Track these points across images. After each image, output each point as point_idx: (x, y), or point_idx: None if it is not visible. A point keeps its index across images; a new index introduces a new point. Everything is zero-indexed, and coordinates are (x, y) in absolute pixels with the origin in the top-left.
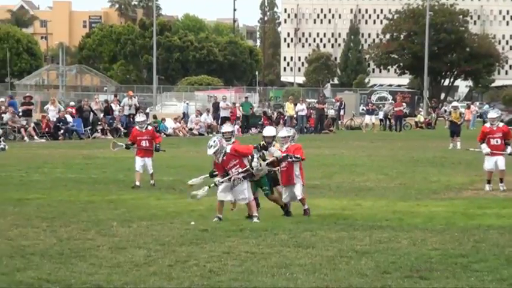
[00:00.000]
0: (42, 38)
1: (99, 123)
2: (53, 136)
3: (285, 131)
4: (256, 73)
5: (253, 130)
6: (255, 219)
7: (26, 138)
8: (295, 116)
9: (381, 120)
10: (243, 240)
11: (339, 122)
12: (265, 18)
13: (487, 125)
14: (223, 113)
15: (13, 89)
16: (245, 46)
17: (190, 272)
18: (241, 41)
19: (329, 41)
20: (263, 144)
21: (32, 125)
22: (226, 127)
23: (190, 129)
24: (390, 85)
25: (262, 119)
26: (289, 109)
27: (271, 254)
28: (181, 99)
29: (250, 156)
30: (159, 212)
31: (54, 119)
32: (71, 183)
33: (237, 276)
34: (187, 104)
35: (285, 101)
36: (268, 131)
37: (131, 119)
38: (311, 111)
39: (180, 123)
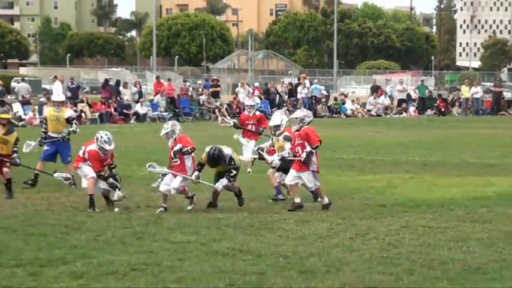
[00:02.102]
0: (233, 25)
1: (284, 104)
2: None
3: (297, 113)
4: (432, 58)
5: (429, 112)
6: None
7: (219, 118)
8: (470, 98)
9: None
10: (420, 215)
11: None
12: (442, 6)
13: None
14: (399, 96)
15: (208, 72)
16: (421, 32)
17: (370, 244)
18: (417, 28)
19: (505, 27)
20: (259, 153)
21: (225, 106)
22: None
23: (369, 110)
24: None
25: (438, 101)
26: (465, 92)
27: (448, 229)
28: (360, 82)
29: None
30: (340, 188)
31: (244, 101)
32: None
33: (414, 249)
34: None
35: (461, 84)
36: (273, 120)
37: (313, 101)
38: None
39: (358, 104)
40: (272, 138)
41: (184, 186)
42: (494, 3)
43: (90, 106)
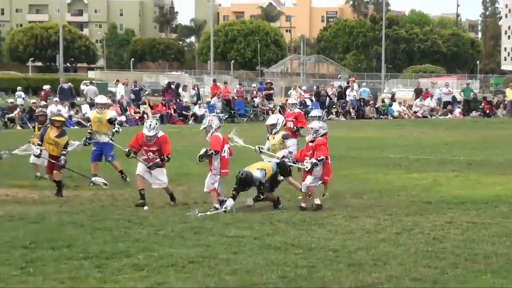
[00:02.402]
0: (286, 31)
1: (334, 106)
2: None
3: (313, 123)
4: (477, 62)
5: (474, 113)
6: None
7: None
8: None
9: None
10: (464, 211)
11: None
12: (487, 13)
13: None
14: (445, 98)
15: (262, 76)
16: (467, 38)
17: (415, 239)
18: (463, 34)
19: None
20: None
21: (278, 107)
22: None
23: (415, 112)
24: None
25: (483, 104)
26: (510, 94)
27: (491, 224)
28: (406, 85)
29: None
30: (387, 186)
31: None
32: None
33: (458, 244)
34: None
35: (505, 87)
36: (270, 119)
37: (361, 104)
38: None
39: (405, 106)
40: (268, 137)
41: (214, 188)
42: None
43: (151, 107)
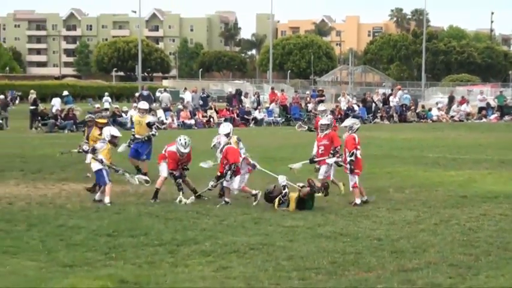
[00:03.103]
0: (337, 44)
1: (379, 111)
2: (343, 121)
3: (346, 121)
4: (510, 72)
5: (507, 117)
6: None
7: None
8: None
9: None
10: (497, 205)
11: None
12: None
13: None
14: (480, 104)
15: (315, 84)
16: (500, 51)
17: (452, 229)
18: (497, 47)
19: None
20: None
21: (329, 112)
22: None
23: (452, 116)
24: None
25: None
26: None
27: None
28: (445, 92)
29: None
30: (426, 182)
31: (345, 108)
32: None
33: (492, 234)
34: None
35: None
36: (323, 120)
37: (403, 109)
38: None
39: (443, 111)
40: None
41: (243, 185)
42: None
43: (216, 112)
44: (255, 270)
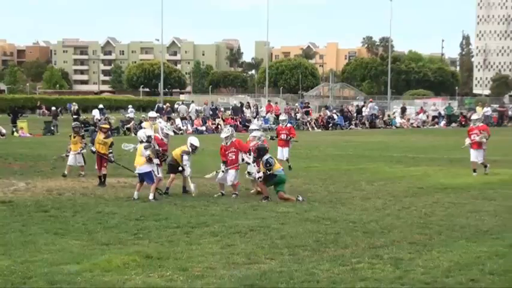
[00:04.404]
0: (320, 66)
1: (353, 119)
2: (325, 127)
3: (224, 132)
4: (456, 88)
5: (454, 124)
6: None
7: (309, 128)
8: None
9: None
10: (447, 194)
11: None
12: (463, 52)
13: None
14: (433, 113)
15: (302, 97)
16: (449, 71)
17: (411, 214)
18: (446, 67)
19: (507, 66)
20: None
21: (314, 120)
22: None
23: (411, 123)
24: None
25: (460, 117)
26: (479, 110)
27: (466, 204)
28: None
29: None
30: (391, 176)
31: (326, 117)
32: (336, 157)
33: (442, 218)
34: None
35: (476, 106)
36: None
37: (373, 117)
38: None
39: (404, 119)
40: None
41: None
42: (500, 51)
43: (223, 120)
44: (254, 247)
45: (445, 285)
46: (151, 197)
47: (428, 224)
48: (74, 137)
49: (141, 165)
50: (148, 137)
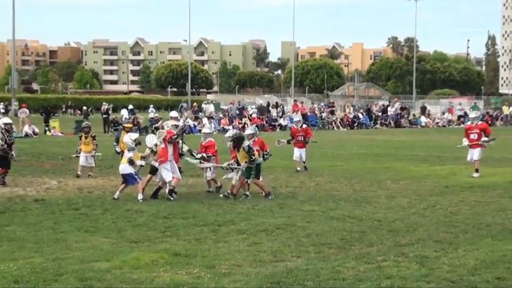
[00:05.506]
0: (345, 66)
1: (379, 118)
2: (351, 127)
3: (249, 130)
4: (482, 87)
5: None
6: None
7: (335, 128)
8: (509, 114)
9: None
10: (472, 193)
11: None
12: (489, 52)
13: None
14: (458, 113)
15: (328, 97)
16: (474, 70)
17: (437, 212)
18: (472, 67)
19: None
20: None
21: (339, 120)
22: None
23: (437, 122)
24: None
25: (486, 117)
26: (505, 110)
27: (491, 202)
28: (431, 104)
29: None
30: (416, 175)
31: (351, 116)
32: (361, 156)
33: (468, 216)
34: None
35: (502, 105)
36: (247, 130)
37: (398, 116)
38: None
39: (430, 119)
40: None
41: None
42: None
43: (250, 120)
44: (280, 245)
45: (471, 283)
46: (140, 197)
47: (454, 223)
48: (86, 138)
49: (123, 166)
50: (135, 140)
